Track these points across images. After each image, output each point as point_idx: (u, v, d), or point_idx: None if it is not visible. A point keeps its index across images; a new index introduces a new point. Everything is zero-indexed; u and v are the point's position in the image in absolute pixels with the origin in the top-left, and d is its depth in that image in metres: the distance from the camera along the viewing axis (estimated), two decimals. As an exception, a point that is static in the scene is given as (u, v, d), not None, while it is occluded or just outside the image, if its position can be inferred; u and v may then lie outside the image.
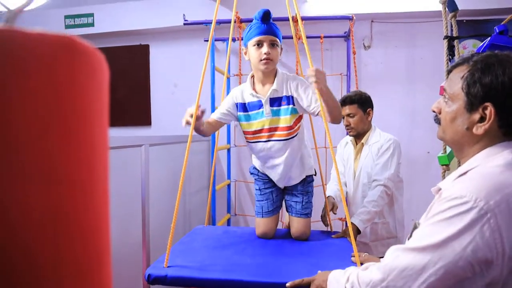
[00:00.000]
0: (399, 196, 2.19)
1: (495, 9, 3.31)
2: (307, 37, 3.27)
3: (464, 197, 0.75)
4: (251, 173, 1.94)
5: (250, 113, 1.73)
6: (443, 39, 1.28)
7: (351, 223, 1.86)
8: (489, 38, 1.28)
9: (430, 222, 0.80)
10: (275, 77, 1.70)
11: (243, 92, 1.76)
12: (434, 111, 0.98)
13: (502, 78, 0.81)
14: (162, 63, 3.86)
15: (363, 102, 2.14)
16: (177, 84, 3.82)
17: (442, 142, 1.39)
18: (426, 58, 3.49)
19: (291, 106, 1.67)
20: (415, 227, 0.92)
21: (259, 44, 1.62)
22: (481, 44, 1.36)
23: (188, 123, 1.57)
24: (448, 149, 1.36)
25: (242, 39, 1.85)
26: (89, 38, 3.54)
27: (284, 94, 1.68)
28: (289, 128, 1.69)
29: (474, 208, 0.73)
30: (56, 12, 3.79)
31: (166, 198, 2.45)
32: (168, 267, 1.44)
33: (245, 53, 1.71)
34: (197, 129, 1.67)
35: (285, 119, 1.68)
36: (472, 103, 0.86)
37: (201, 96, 1.64)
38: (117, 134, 3.83)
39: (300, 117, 1.75)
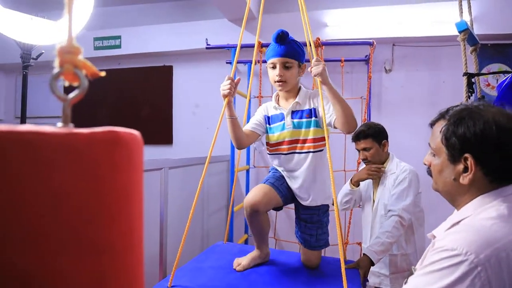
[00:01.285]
0: (419, 227, 2.14)
1: (518, 33, 3.27)
2: (328, 60, 3.31)
3: (455, 250, 0.76)
4: (271, 169, 1.85)
5: (272, 125, 1.74)
6: (463, 75, 1.27)
7: (364, 254, 1.84)
8: (510, 77, 1.26)
9: (423, 271, 0.81)
10: (298, 93, 1.71)
11: (268, 107, 1.78)
12: (425, 164, 1.01)
13: (474, 129, 0.85)
14: (184, 84, 3.96)
15: (377, 135, 2.12)
16: (199, 105, 3.89)
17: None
18: (448, 82, 3.45)
19: (313, 118, 1.66)
20: (411, 273, 0.92)
21: (274, 66, 1.64)
22: (503, 79, 1.34)
23: (230, 84, 1.55)
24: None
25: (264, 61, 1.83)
26: (116, 59, 3.71)
27: (306, 107, 1.68)
28: (312, 141, 1.66)
29: (465, 261, 0.74)
30: (86, 34, 3.96)
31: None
32: (171, 286, 1.48)
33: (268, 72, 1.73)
34: (234, 130, 1.61)
35: (306, 132, 1.66)
36: (453, 155, 0.89)
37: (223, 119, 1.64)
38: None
39: (323, 138, 1.67)
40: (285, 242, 3.53)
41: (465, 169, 0.88)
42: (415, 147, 3.45)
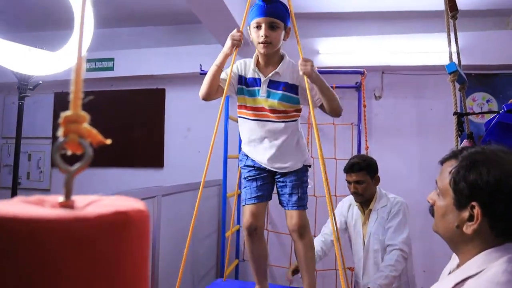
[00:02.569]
0: (409, 254, 2.17)
1: (502, 64, 3.42)
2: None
3: None
4: (240, 160, 1.82)
5: (248, 88, 1.66)
6: (453, 115, 1.32)
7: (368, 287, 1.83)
8: (497, 115, 1.32)
9: None
10: (281, 61, 1.64)
11: (246, 66, 1.69)
12: (429, 202, 0.96)
13: (487, 178, 0.78)
14: (177, 107, 3.98)
15: (371, 169, 2.11)
16: (190, 128, 3.91)
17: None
18: (436, 109, 3.54)
19: (292, 94, 1.62)
20: None
21: (258, 26, 1.54)
22: (489, 118, 1.40)
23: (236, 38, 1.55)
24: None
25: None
26: (108, 81, 3.71)
27: (286, 80, 1.62)
28: (285, 112, 1.64)
29: None
30: (78, 55, 3.96)
31: (176, 244, 2.46)
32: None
33: (250, 34, 1.63)
34: (214, 79, 1.61)
35: (281, 104, 1.62)
36: (460, 201, 0.82)
37: (215, 141, 1.63)
38: (130, 176, 3.90)
39: (300, 110, 1.70)
40: (276, 267, 3.51)
41: (470, 218, 0.81)
42: (404, 172, 3.52)
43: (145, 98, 4.02)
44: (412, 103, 3.61)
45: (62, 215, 0.32)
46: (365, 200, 2.13)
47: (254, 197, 1.69)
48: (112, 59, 3.92)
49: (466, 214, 0.82)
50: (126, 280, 0.36)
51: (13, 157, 3.94)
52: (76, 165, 0.39)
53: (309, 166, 1.77)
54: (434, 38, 3.36)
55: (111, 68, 3.91)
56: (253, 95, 1.66)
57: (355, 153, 3.38)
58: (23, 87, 1.90)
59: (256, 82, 1.65)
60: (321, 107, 1.66)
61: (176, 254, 2.40)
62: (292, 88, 1.63)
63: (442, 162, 0.93)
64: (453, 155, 0.89)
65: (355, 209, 2.22)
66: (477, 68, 3.48)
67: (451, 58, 1.35)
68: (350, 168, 2.12)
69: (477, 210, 0.79)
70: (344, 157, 3.49)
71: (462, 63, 3.42)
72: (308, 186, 1.76)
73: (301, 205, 1.69)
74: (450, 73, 1.28)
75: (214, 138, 1.64)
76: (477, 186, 0.79)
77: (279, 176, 1.73)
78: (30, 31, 4.12)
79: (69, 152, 0.40)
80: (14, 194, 2.20)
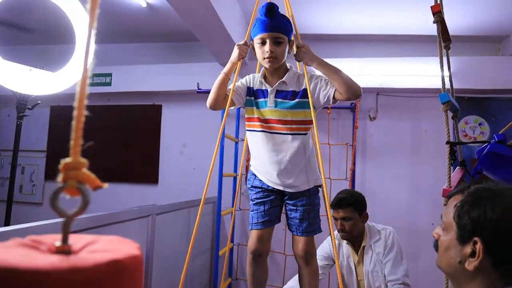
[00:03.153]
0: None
1: (493, 89, 3.48)
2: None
3: None
4: (248, 179, 1.74)
5: (256, 100, 1.63)
6: (446, 143, 1.34)
7: None
8: (489, 145, 1.34)
9: None
10: (286, 72, 1.62)
11: (254, 79, 1.68)
12: (434, 237, 0.94)
13: (491, 215, 0.77)
14: (173, 123, 3.99)
15: (359, 205, 1.99)
16: (186, 145, 3.91)
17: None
18: (430, 131, 3.58)
19: (299, 99, 1.57)
20: None
21: (263, 42, 1.52)
22: (481, 147, 1.42)
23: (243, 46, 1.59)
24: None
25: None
26: (105, 96, 3.72)
27: (293, 89, 1.59)
28: (295, 122, 1.58)
29: None
30: (76, 70, 3.99)
31: (170, 263, 2.44)
32: None
33: (253, 48, 1.61)
34: (221, 87, 1.58)
35: (290, 113, 1.57)
36: (463, 235, 0.82)
37: (209, 160, 1.62)
38: (125, 191, 3.88)
39: (310, 121, 1.59)
40: (269, 286, 3.47)
41: (473, 254, 0.80)
42: (398, 193, 3.54)
43: (141, 113, 4.04)
44: (407, 124, 3.65)
45: (60, 265, 0.33)
46: (352, 237, 2.02)
47: (261, 222, 1.62)
48: (110, 75, 3.94)
49: (468, 249, 0.81)
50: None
51: (7, 170, 3.92)
52: (74, 210, 0.39)
53: (320, 186, 1.66)
54: (428, 61, 3.42)
55: (109, 84, 3.93)
56: (261, 106, 1.62)
57: (349, 173, 3.41)
58: (21, 106, 1.90)
59: (263, 93, 1.63)
60: (336, 95, 1.53)
61: (170, 272, 2.38)
62: (298, 94, 1.59)
63: (450, 196, 0.93)
64: (460, 190, 0.89)
65: (345, 248, 2.09)
66: (470, 92, 3.54)
67: (444, 87, 1.38)
68: (337, 204, 2.00)
69: (479, 246, 0.78)
70: (339, 177, 3.52)
71: (456, 86, 3.47)
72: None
73: (311, 231, 1.62)
74: (443, 103, 1.31)
75: (215, 158, 1.61)
76: (480, 222, 0.79)
77: (288, 197, 1.65)
78: (36, 44, 4.16)
79: (67, 197, 0.40)
80: (9, 208, 2.19)
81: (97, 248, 0.40)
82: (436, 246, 0.93)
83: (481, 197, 0.81)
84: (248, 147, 1.74)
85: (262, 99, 1.62)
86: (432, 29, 1.59)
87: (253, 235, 1.62)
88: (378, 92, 3.67)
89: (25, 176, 4.16)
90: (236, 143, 3.49)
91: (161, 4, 3.08)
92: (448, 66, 1.69)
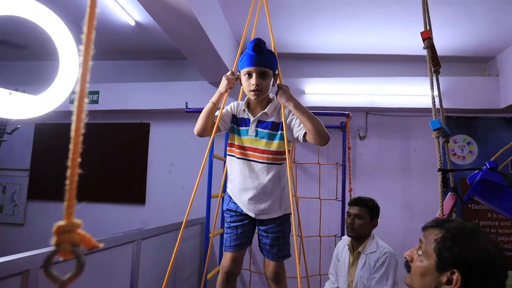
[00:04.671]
0: None
1: (481, 109, 3.52)
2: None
3: None
4: (224, 201, 1.83)
5: (239, 128, 1.72)
6: (438, 171, 1.32)
7: None
8: (480, 172, 1.32)
9: None
10: (269, 102, 1.69)
11: (238, 107, 1.75)
12: (406, 258, 1.04)
13: (468, 251, 0.91)
14: (161, 142, 3.93)
15: (374, 210, 2.18)
16: (174, 164, 3.85)
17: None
18: (420, 150, 3.59)
19: (279, 132, 1.65)
20: None
21: (249, 75, 1.60)
22: (473, 173, 1.41)
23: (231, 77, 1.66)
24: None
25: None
26: (92, 114, 3.64)
27: (273, 120, 1.67)
28: (272, 153, 1.65)
29: None
30: (63, 87, 3.92)
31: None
32: None
33: (240, 80, 1.69)
34: (209, 116, 1.65)
35: (269, 143, 1.65)
36: (442, 266, 0.93)
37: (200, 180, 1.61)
38: (111, 211, 3.78)
39: (285, 152, 1.65)
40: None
41: (448, 282, 0.92)
42: (388, 212, 3.50)
43: (129, 132, 3.97)
44: (396, 143, 3.65)
45: None
46: (357, 237, 2.15)
47: (233, 245, 1.73)
48: (97, 92, 3.88)
49: (444, 278, 0.93)
50: None
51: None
52: (68, 275, 0.37)
53: (290, 214, 1.73)
54: (417, 81, 3.45)
55: (96, 101, 3.87)
56: (242, 134, 1.70)
57: (340, 193, 3.38)
58: (1, 131, 1.84)
59: (245, 122, 1.71)
60: (305, 137, 1.60)
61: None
62: (278, 127, 1.66)
63: (424, 228, 1.05)
64: (437, 224, 1.01)
65: (346, 250, 2.25)
66: (458, 111, 3.58)
67: (435, 113, 1.37)
68: (356, 201, 2.21)
69: (456, 276, 0.90)
70: (329, 197, 3.48)
71: (444, 106, 3.52)
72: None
73: (281, 256, 1.72)
74: (434, 130, 1.29)
75: (200, 178, 1.62)
76: (460, 258, 0.91)
77: (259, 223, 1.74)
78: (20, 60, 4.10)
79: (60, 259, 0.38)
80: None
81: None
82: (408, 267, 1.04)
83: (460, 236, 0.95)
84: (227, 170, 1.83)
85: (244, 128, 1.71)
86: (420, 49, 1.60)
87: (227, 256, 1.74)
88: (368, 111, 3.68)
89: (7, 196, 4.02)
90: (225, 162, 3.44)
91: (149, 22, 3.06)
92: (438, 90, 1.69)
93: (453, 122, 3.64)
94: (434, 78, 1.58)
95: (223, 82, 1.66)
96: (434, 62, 1.44)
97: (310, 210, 3.45)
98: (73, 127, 0.39)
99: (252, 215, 1.70)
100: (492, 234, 3.47)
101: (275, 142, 1.65)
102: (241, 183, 1.68)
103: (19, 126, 2.01)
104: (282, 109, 1.63)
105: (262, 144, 1.66)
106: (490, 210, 3.53)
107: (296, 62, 3.76)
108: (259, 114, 1.67)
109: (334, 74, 3.67)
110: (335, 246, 3.31)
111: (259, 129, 1.67)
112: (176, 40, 2.75)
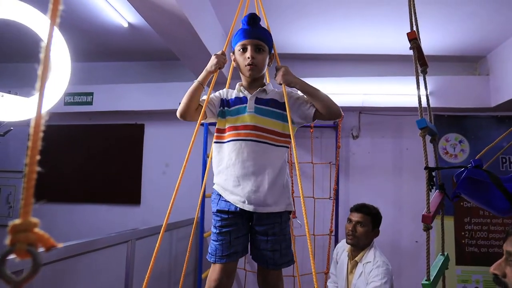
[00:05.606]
0: None
1: (472, 107, 3.56)
2: (298, 126, 3.43)
3: None
4: (212, 201, 1.54)
5: (231, 108, 1.52)
6: (424, 169, 1.35)
7: None
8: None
9: None
10: (264, 85, 1.55)
11: (229, 91, 1.59)
12: (495, 274, 0.97)
13: None
14: (155, 143, 3.95)
15: (376, 219, 2.17)
16: (169, 164, 3.87)
17: (443, 243, 1.43)
18: (412, 149, 3.63)
19: (278, 110, 1.49)
20: None
21: (244, 49, 1.49)
22: (459, 171, 1.44)
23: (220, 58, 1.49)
24: (432, 275, 1.37)
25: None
26: (87, 115, 3.66)
27: (273, 97, 1.52)
28: (274, 133, 1.47)
29: None
30: (57, 89, 3.92)
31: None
32: None
33: (234, 60, 1.56)
34: (194, 96, 1.47)
35: (270, 121, 1.48)
36: None
37: (192, 179, 1.60)
38: (106, 212, 3.79)
39: (288, 136, 1.49)
40: (253, 309, 3.41)
41: None
42: (381, 210, 3.53)
43: (123, 133, 3.98)
44: (389, 142, 3.69)
45: None
46: (357, 244, 2.12)
47: (227, 255, 1.43)
48: (91, 94, 3.89)
49: None
50: None
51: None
52: (22, 276, 0.37)
53: (291, 213, 1.54)
54: (409, 80, 3.48)
55: (90, 103, 3.87)
56: (237, 113, 1.50)
57: (333, 191, 3.41)
58: (-7, 133, 1.85)
59: (241, 100, 1.52)
60: (316, 115, 1.48)
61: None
62: (280, 106, 1.51)
63: (506, 238, 1.00)
64: None
65: (345, 255, 2.23)
66: (449, 110, 3.62)
67: (421, 112, 1.40)
68: (359, 208, 2.18)
69: None
70: (322, 196, 3.51)
71: (435, 105, 3.56)
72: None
73: (284, 262, 1.47)
74: (420, 129, 1.32)
75: (182, 175, 1.44)
76: None
77: (256, 222, 1.46)
78: (12, 62, 4.10)
79: (17, 259, 0.38)
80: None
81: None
82: (501, 282, 0.96)
83: None
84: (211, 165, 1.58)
85: (240, 105, 1.51)
86: (409, 49, 1.62)
87: (217, 269, 1.43)
88: (361, 110, 3.71)
89: (1, 198, 4.02)
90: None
91: (142, 24, 3.07)
92: (425, 88, 1.72)
93: (445, 121, 3.68)
94: (422, 78, 1.61)
95: (212, 61, 1.49)
96: (420, 62, 1.47)
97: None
98: (32, 123, 0.39)
99: (249, 208, 1.41)
100: (483, 232, 3.51)
101: (278, 122, 1.49)
102: (238, 169, 1.43)
103: (12, 128, 2.02)
104: (284, 89, 1.47)
105: (263, 121, 1.47)
106: (482, 208, 3.58)
107: (289, 63, 3.73)
108: (257, 91, 1.51)
109: (327, 74, 3.70)
110: (329, 244, 3.36)
111: (259, 106, 1.49)
112: (168, 41, 2.77)
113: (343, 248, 2.29)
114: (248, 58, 1.47)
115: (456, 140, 3.69)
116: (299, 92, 1.54)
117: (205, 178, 1.78)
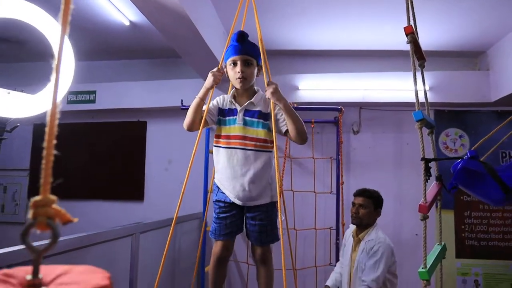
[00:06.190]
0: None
1: (472, 102, 3.58)
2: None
3: None
4: (213, 192, 1.91)
5: (225, 118, 1.79)
6: (421, 160, 1.38)
7: None
8: (462, 161, 1.39)
9: None
10: (254, 94, 1.79)
11: (225, 99, 1.83)
12: None
13: None
14: (158, 140, 3.99)
15: (377, 201, 2.38)
16: (172, 161, 3.91)
17: (441, 233, 1.46)
18: (412, 144, 3.66)
19: (263, 121, 1.74)
20: None
21: (234, 63, 1.71)
22: (456, 162, 1.47)
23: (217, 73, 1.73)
24: (429, 263, 1.40)
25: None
26: (90, 113, 3.71)
27: (260, 109, 1.76)
28: (259, 140, 1.74)
29: None
30: (60, 87, 3.97)
31: (155, 279, 2.41)
32: None
33: (226, 73, 1.78)
34: (197, 111, 1.74)
35: (255, 131, 1.74)
36: None
37: (195, 176, 1.70)
38: (110, 208, 3.84)
39: (272, 142, 1.76)
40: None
41: None
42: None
43: (126, 130, 4.03)
44: (389, 137, 3.72)
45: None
46: (361, 224, 2.35)
47: (224, 234, 1.81)
48: (94, 92, 3.93)
49: None
50: None
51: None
52: (43, 245, 0.41)
53: (276, 203, 1.83)
54: (410, 75, 3.48)
55: (93, 101, 3.92)
56: (229, 123, 1.78)
57: (334, 186, 3.44)
58: (1, 129, 1.89)
59: (232, 112, 1.79)
60: (287, 133, 1.73)
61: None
62: (265, 116, 1.76)
63: None
64: None
65: (350, 237, 2.45)
66: (450, 105, 3.65)
67: (418, 104, 1.43)
68: (361, 192, 2.40)
69: None
70: (323, 191, 3.55)
71: (436, 100, 3.58)
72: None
73: (268, 241, 1.82)
74: (417, 121, 1.35)
75: (189, 173, 1.78)
76: None
77: (247, 211, 1.81)
78: (17, 61, 4.15)
79: (37, 231, 0.42)
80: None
81: (67, 281, 0.41)
82: None
83: None
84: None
85: (232, 117, 1.78)
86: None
87: (218, 244, 1.84)
88: (361, 106, 3.74)
89: (8, 196, 4.08)
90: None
91: (144, 22, 3.11)
92: (423, 82, 1.75)
93: (445, 116, 3.71)
94: (420, 72, 1.64)
95: (209, 78, 1.74)
96: (417, 56, 1.50)
97: (305, 203, 3.52)
98: (48, 110, 0.43)
99: (240, 203, 1.76)
100: (483, 225, 3.54)
101: (263, 131, 1.74)
102: (230, 172, 1.75)
103: (18, 124, 2.07)
104: (271, 104, 1.70)
105: (250, 132, 1.74)
106: (482, 202, 3.61)
107: (290, 59, 3.82)
108: (246, 104, 1.76)
109: (327, 70, 3.73)
110: (330, 238, 3.41)
111: (247, 118, 1.75)
112: (170, 39, 2.81)
113: (349, 232, 2.48)
114: (238, 72, 1.70)
115: (456, 135, 3.71)
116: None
117: (212, 176, 1.94)
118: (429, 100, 3.97)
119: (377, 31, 3.30)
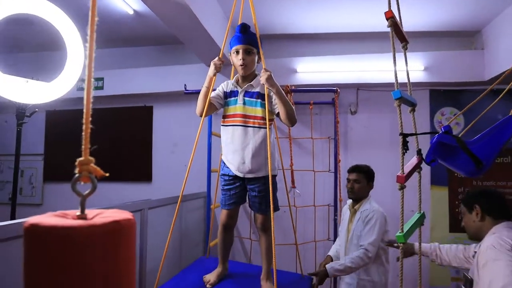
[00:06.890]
0: (385, 261, 2.46)
1: (468, 81, 3.68)
2: (298, 103, 3.61)
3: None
4: (220, 166, 2.15)
5: (229, 99, 2.02)
6: (399, 135, 1.53)
7: (325, 266, 2.26)
8: (437, 135, 1.53)
9: (491, 263, 1.49)
10: (255, 77, 2.00)
11: (228, 84, 2.06)
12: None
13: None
14: (164, 124, 4.17)
15: (369, 175, 2.58)
16: (177, 144, 4.09)
17: (420, 203, 1.63)
18: (408, 123, 3.78)
19: (261, 101, 1.94)
20: (467, 280, 1.51)
21: (237, 52, 1.93)
22: (433, 137, 1.62)
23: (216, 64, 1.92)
24: (406, 228, 1.57)
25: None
26: (98, 100, 3.87)
27: (259, 90, 1.96)
28: (257, 118, 1.94)
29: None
30: (69, 75, 4.14)
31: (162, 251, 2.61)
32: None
33: (231, 59, 2.01)
34: (205, 98, 1.93)
35: (254, 110, 1.95)
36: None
37: (199, 157, 1.89)
38: (121, 190, 4.05)
39: (270, 120, 1.95)
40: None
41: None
42: (380, 183, 3.72)
43: (133, 115, 4.21)
44: (385, 117, 3.85)
45: (81, 224, 0.52)
46: (356, 198, 2.55)
47: (228, 203, 2.07)
48: (102, 79, 4.10)
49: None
50: (120, 261, 0.56)
51: (6, 174, 4.06)
52: (87, 192, 0.59)
53: (275, 176, 2.04)
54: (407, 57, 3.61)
55: (101, 87, 4.09)
56: (232, 104, 2.01)
57: (332, 165, 3.61)
58: (21, 114, 2.06)
59: (234, 93, 2.02)
60: (278, 115, 1.94)
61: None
62: (263, 97, 1.95)
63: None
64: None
65: (347, 209, 2.67)
66: (445, 85, 3.75)
67: (397, 84, 1.56)
68: (354, 169, 2.60)
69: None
70: (322, 169, 3.71)
71: (431, 80, 3.69)
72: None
73: (267, 210, 2.00)
74: (395, 99, 1.49)
75: (194, 153, 1.99)
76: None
77: (248, 182, 2.02)
78: (32, 51, 4.31)
79: (81, 184, 0.59)
80: (13, 209, 2.35)
81: (104, 216, 0.59)
82: None
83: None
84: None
85: (234, 98, 2.01)
86: (407, 26, 1.78)
87: (224, 213, 2.10)
88: (358, 87, 3.86)
89: (25, 179, 4.32)
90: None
91: (147, 11, 3.24)
92: (405, 63, 1.88)
93: (441, 95, 3.82)
94: (402, 54, 1.76)
95: (211, 68, 1.95)
96: (399, 37, 1.62)
97: (305, 182, 3.69)
98: (85, 96, 0.60)
99: (240, 175, 1.98)
100: (476, 199, 3.69)
101: (261, 110, 1.95)
102: (231, 146, 1.97)
103: (37, 110, 2.24)
104: (265, 89, 1.91)
105: (249, 110, 1.96)
106: (475, 178, 3.76)
107: (288, 42, 3.94)
108: (245, 86, 1.98)
109: (324, 53, 3.84)
110: (328, 215, 3.59)
111: (246, 98, 1.98)
112: (172, 27, 2.94)
113: (346, 206, 2.70)
114: (240, 59, 1.92)
115: (451, 114, 3.83)
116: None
117: (221, 154, 2.12)
118: (425, 80, 4.11)
119: (372, 13, 3.39)
